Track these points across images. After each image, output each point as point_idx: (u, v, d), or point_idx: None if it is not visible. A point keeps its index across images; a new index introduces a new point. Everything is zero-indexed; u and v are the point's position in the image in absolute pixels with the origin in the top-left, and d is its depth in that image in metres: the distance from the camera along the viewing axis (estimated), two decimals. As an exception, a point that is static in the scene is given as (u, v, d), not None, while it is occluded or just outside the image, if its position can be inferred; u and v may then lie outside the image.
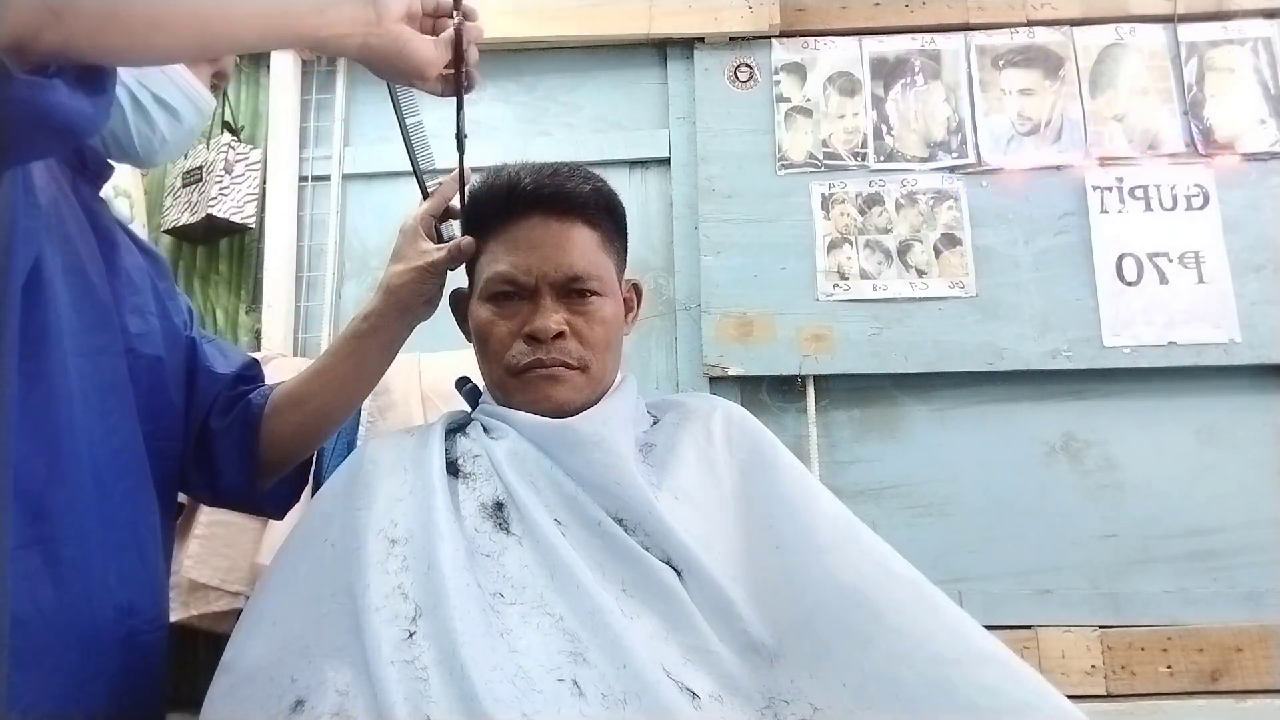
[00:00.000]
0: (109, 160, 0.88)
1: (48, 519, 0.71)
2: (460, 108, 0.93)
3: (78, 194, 0.81)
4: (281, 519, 1.06)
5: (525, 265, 0.85)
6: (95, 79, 0.63)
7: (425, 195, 0.99)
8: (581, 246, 0.87)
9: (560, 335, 0.84)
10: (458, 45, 0.86)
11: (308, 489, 1.07)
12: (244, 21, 0.70)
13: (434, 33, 0.86)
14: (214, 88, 0.91)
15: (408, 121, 0.98)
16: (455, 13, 0.86)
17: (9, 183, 0.66)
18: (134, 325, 0.84)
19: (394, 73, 0.84)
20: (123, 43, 0.63)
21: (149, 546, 0.83)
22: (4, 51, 0.57)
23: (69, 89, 0.60)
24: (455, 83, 0.89)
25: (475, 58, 0.90)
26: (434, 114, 1.01)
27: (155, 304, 0.88)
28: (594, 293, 0.87)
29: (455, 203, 0.97)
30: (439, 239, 0.96)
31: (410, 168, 1.01)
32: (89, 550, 0.74)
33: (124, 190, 1.60)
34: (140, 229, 1.70)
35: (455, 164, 0.96)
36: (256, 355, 1.73)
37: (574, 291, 0.86)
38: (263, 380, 1.00)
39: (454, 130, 0.95)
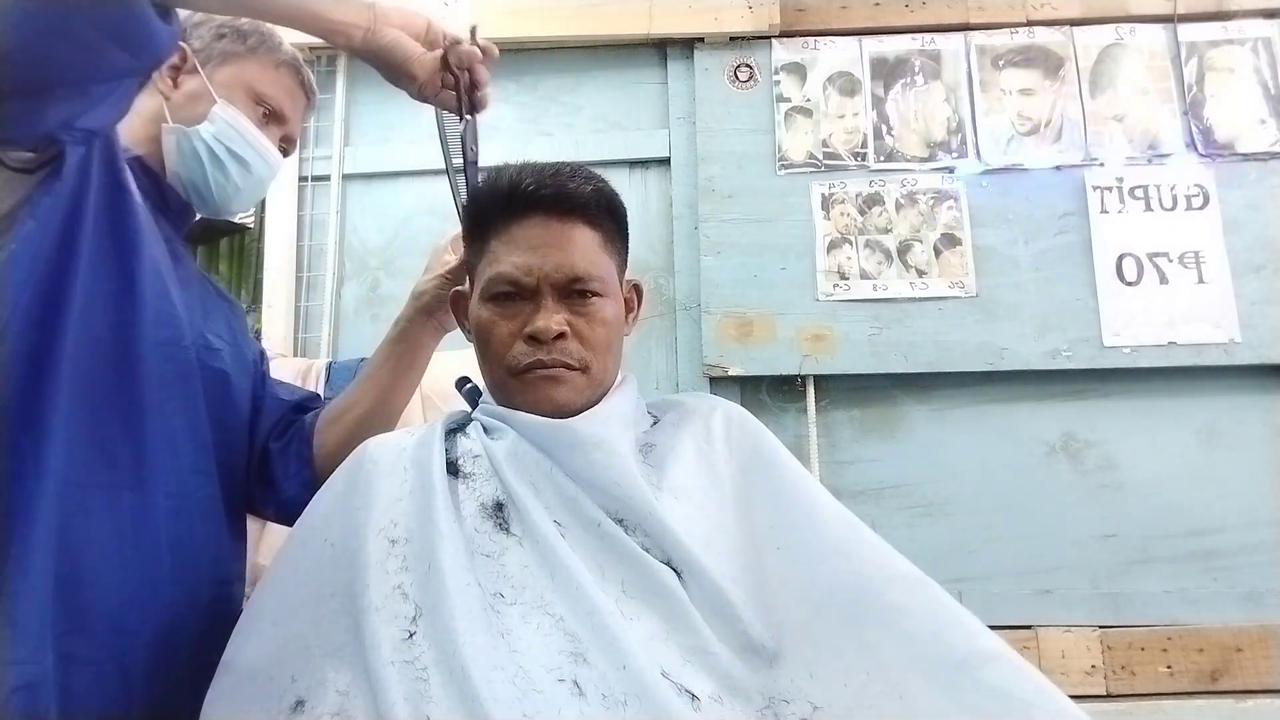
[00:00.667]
0: (189, 205, 1.01)
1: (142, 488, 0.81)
2: (465, 133, 0.99)
3: (159, 228, 0.93)
4: None
5: (526, 266, 0.85)
6: (165, 11, 0.74)
7: (455, 197, 1.03)
8: (583, 247, 0.87)
9: (561, 336, 0.84)
10: (445, 63, 0.93)
11: None
12: None
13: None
14: (283, 151, 1.08)
15: (447, 125, 1.02)
16: (446, 38, 0.93)
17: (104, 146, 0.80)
18: (206, 341, 0.94)
19: (388, 69, 0.92)
20: None
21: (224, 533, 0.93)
22: None
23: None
24: (457, 102, 0.95)
25: (484, 79, 0.97)
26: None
27: (228, 333, 0.99)
28: (595, 293, 0.87)
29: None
30: None
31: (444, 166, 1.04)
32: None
33: None
34: None
35: (485, 163, 1.01)
36: (256, 355, 1.75)
37: (575, 292, 0.86)
38: (321, 408, 1.08)
39: (448, 144, 1.01)
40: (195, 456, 0.89)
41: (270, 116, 1.07)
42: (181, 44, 0.98)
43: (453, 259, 1.04)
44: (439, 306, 1.05)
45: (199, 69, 1.00)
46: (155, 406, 0.83)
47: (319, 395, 1.11)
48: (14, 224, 0.74)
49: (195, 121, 0.98)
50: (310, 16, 0.89)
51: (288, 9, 0.90)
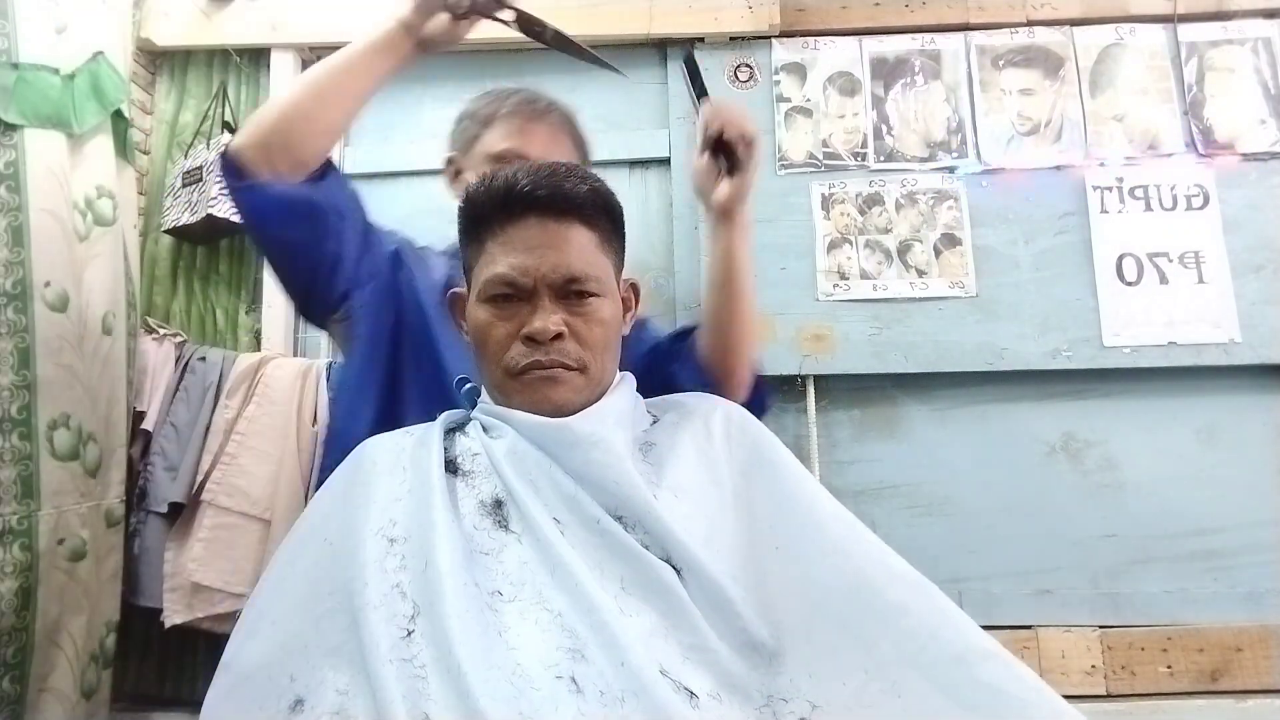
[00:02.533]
0: None
1: None
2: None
3: None
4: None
5: (523, 267, 0.85)
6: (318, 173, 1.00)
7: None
8: (579, 247, 0.87)
9: (559, 336, 0.84)
10: None
11: None
12: (343, 70, 1.04)
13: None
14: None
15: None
16: None
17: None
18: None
19: (446, 32, 1.10)
20: (301, 141, 1.01)
21: None
22: (277, 176, 0.99)
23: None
24: None
25: None
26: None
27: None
28: (592, 294, 0.87)
29: None
30: None
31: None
32: None
33: (107, 191, 1.60)
34: (129, 231, 1.70)
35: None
36: (257, 355, 1.75)
37: (572, 293, 0.86)
38: None
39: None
40: None
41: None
42: (451, 154, 1.23)
43: None
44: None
45: (460, 164, 1.21)
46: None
47: None
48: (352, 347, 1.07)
49: None
50: (359, 54, 1.05)
51: (338, 65, 1.05)
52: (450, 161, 1.26)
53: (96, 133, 1.58)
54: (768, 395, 1.14)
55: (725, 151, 1.03)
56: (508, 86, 1.27)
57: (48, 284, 1.44)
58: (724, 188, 1.04)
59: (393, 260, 1.11)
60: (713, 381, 1.07)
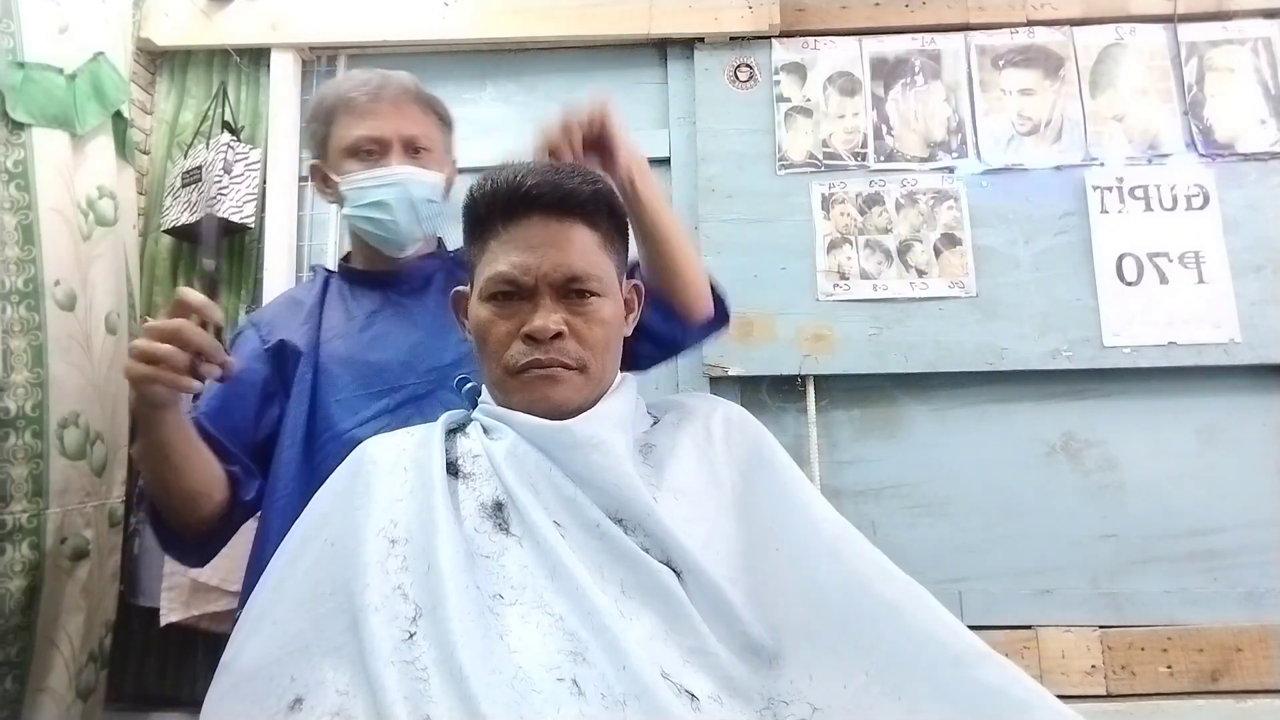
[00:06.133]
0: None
1: None
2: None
3: (360, 299, 1.27)
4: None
5: (524, 265, 0.85)
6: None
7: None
8: (581, 247, 0.87)
9: (559, 335, 0.84)
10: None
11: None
12: (147, 458, 0.97)
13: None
14: (416, 151, 1.20)
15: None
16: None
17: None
18: None
19: None
20: (181, 515, 1.04)
21: None
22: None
23: None
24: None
25: None
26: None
27: None
28: (593, 293, 0.87)
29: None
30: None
31: None
32: None
33: (108, 191, 1.59)
34: (128, 231, 1.70)
35: None
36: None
37: (573, 292, 0.86)
38: None
39: None
40: None
41: (372, 153, 1.14)
42: (313, 162, 1.23)
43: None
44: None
45: (323, 168, 1.20)
46: None
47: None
48: None
49: (345, 206, 1.19)
50: (142, 443, 0.97)
51: (141, 454, 1.00)
52: (315, 169, 1.25)
53: (98, 133, 1.58)
54: (728, 305, 1.18)
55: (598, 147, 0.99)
56: (337, 79, 1.26)
57: (57, 283, 1.44)
58: (619, 162, 0.98)
59: (278, 351, 1.15)
60: (677, 320, 1.10)
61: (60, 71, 1.49)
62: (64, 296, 1.45)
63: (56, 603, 1.42)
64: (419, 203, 1.19)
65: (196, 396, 1.04)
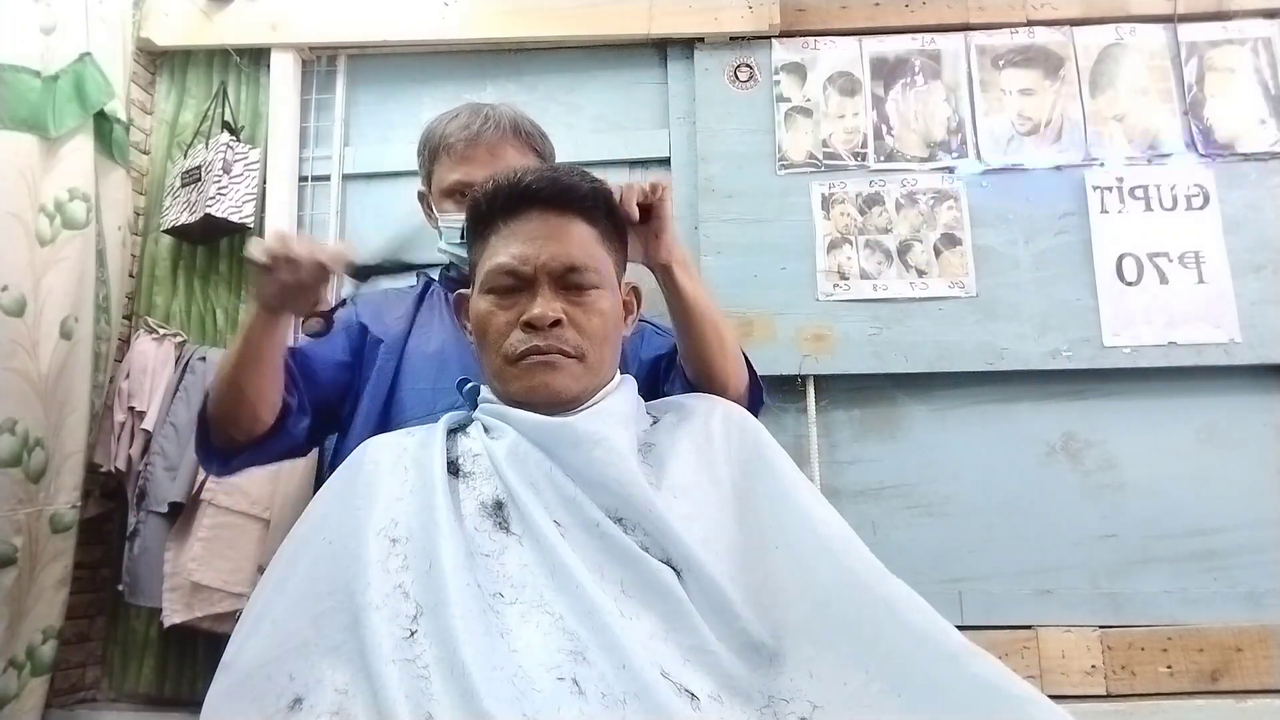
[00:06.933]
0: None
1: None
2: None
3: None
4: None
5: (523, 256, 0.86)
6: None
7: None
8: (579, 239, 0.89)
9: (558, 323, 0.85)
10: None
11: None
12: (239, 357, 1.00)
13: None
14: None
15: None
16: None
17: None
18: None
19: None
20: (241, 420, 1.04)
21: None
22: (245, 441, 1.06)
23: None
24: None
25: None
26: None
27: None
28: (591, 285, 0.88)
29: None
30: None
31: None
32: None
33: (80, 194, 1.58)
34: (116, 231, 1.70)
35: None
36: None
37: (572, 283, 0.88)
38: None
39: None
40: None
41: (465, 196, 1.14)
42: (421, 189, 1.30)
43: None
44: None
45: (430, 199, 1.27)
46: None
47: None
48: None
49: (441, 239, 1.24)
50: (243, 342, 1.00)
51: (233, 352, 1.02)
52: (422, 196, 1.31)
53: (75, 134, 1.57)
54: (763, 392, 1.14)
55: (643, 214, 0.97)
56: (455, 108, 1.27)
57: (5, 288, 1.43)
58: (662, 243, 0.97)
59: (360, 333, 1.20)
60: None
61: (37, 74, 1.48)
62: (11, 302, 1.45)
63: (-27, 609, 1.40)
64: None
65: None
